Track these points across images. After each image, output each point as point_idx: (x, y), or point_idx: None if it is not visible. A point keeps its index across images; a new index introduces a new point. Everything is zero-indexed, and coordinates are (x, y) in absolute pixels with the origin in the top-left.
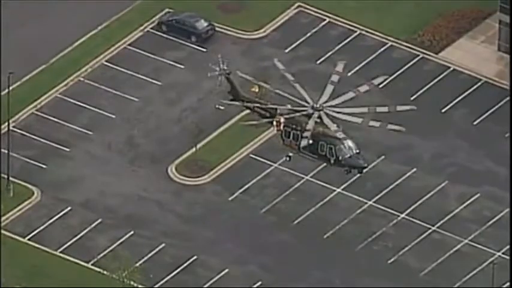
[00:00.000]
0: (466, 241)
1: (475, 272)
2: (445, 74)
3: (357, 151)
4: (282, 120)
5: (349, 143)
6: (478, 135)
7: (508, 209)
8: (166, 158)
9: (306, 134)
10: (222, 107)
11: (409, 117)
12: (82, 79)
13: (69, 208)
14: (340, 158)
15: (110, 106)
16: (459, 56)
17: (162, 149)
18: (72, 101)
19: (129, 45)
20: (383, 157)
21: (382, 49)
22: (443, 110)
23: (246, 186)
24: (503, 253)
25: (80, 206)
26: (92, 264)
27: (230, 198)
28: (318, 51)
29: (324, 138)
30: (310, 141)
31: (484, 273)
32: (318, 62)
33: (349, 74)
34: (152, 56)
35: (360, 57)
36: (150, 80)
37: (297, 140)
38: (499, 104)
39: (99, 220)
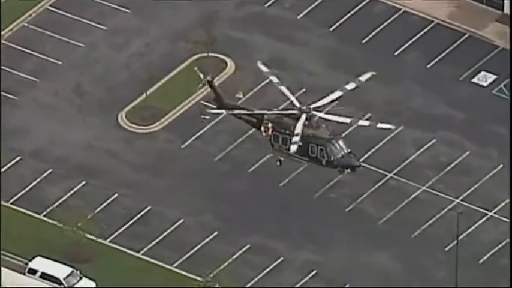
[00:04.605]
0: (424, 188)
1: (434, 219)
2: (395, 16)
3: (349, 150)
4: (270, 125)
5: (340, 142)
6: (432, 79)
7: (465, 154)
8: (116, 105)
9: (295, 138)
10: (208, 117)
11: (361, 61)
12: (26, 24)
13: (19, 158)
14: (332, 158)
15: (56, 52)
16: None
17: (111, 96)
18: (17, 47)
19: None
20: (337, 102)
21: None
22: (395, 53)
23: (199, 134)
24: (462, 200)
25: (29, 155)
26: (45, 216)
27: (183, 146)
28: None
29: (313, 140)
30: (300, 144)
31: (444, 220)
32: (266, 5)
33: (299, 17)
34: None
35: (309, 0)
36: (95, 24)
37: (286, 144)
38: (452, 47)
39: (50, 170)
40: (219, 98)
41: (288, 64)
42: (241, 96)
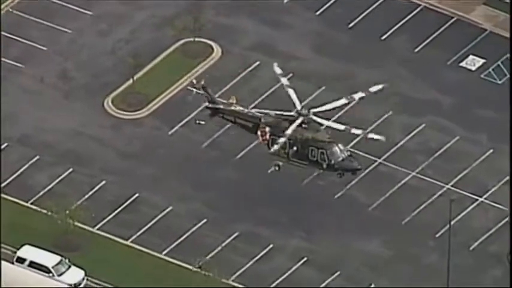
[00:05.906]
0: (414, 174)
1: (424, 205)
2: None
3: (349, 153)
4: (267, 129)
5: (340, 145)
6: (419, 63)
7: (455, 139)
8: (102, 91)
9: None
10: (202, 122)
11: (348, 46)
12: (11, 10)
13: (5, 144)
14: (333, 161)
15: (42, 38)
16: None
17: (97, 82)
18: (1, 33)
19: None
20: (324, 87)
21: None
22: (382, 38)
23: (186, 120)
24: (452, 185)
25: (16, 142)
26: (32, 203)
27: (170, 133)
28: None
29: (313, 144)
30: (294, 148)
31: (434, 206)
32: None
33: (285, 1)
34: None
35: None
36: (82, 10)
37: (285, 148)
38: (440, 30)
39: (37, 157)
40: (214, 103)
41: (274, 49)
42: (235, 101)
